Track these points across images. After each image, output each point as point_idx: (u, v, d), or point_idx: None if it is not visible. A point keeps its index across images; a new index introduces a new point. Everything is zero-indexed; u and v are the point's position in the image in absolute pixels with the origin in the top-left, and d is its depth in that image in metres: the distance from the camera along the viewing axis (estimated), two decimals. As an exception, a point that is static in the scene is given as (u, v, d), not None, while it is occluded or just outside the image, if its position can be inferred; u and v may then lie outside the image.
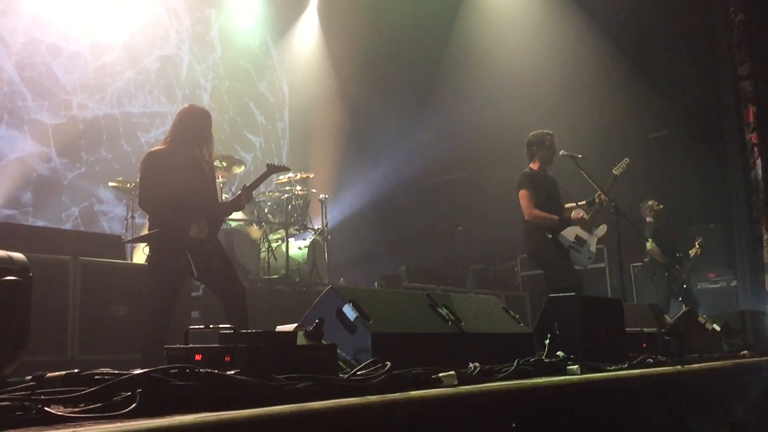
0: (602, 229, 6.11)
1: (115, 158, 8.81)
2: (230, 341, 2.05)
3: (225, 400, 1.63)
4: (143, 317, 4.51)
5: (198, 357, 2.00)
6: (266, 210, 7.70)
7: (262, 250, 7.42)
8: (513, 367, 2.73)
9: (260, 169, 5.01)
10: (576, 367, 2.96)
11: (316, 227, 8.11)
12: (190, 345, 2.10)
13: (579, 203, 6.17)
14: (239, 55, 11.21)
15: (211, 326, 2.22)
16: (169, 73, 10.02)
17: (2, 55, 8.17)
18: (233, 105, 11.00)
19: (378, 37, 11.22)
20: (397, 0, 10.90)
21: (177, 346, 2.10)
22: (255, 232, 7.51)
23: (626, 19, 9.97)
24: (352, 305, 2.75)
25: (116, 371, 1.70)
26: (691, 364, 3.75)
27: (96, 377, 1.69)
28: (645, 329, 4.13)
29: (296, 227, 7.81)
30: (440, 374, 2.29)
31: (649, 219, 8.47)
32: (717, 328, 4.82)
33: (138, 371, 1.63)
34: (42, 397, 1.52)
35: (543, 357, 3.23)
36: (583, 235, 6.02)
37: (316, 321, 2.41)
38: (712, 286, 9.36)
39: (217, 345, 2.06)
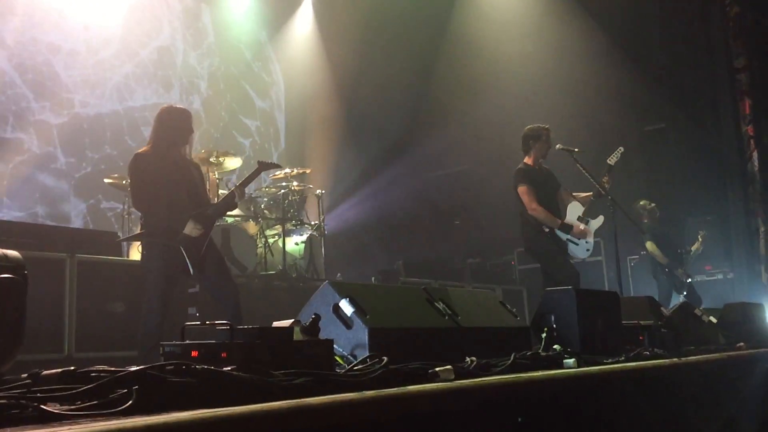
0: (599, 221, 6.13)
1: (120, 155, 8.82)
2: (226, 337, 2.04)
3: (222, 396, 1.63)
4: (140, 314, 4.52)
5: (194, 353, 2.00)
6: (263, 206, 7.69)
7: (259, 246, 7.41)
8: (510, 361, 2.73)
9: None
10: (573, 360, 2.96)
11: (312, 223, 8.11)
12: (187, 342, 2.09)
13: (584, 195, 6.18)
14: (234, 52, 11.18)
15: (207, 323, 2.22)
16: (165, 63, 10.00)
17: (2, 58, 8.16)
18: (229, 92, 10.99)
19: (374, 32, 11.20)
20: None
21: (173, 342, 2.09)
22: (252, 228, 7.51)
23: (622, 12, 9.97)
24: (349, 300, 2.75)
25: (112, 368, 1.70)
26: (688, 356, 3.75)
27: (92, 375, 1.68)
28: (641, 322, 4.13)
29: (293, 223, 7.80)
30: (437, 369, 2.29)
31: (645, 220, 8.48)
32: (713, 320, 4.83)
33: (134, 368, 1.62)
34: (38, 395, 1.52)
35: (540, 351, 3.23)
36: (580, 235, 6.04)
37: (313, 316, 2.41)
38: (708, 278, 9.38)
39: (214, 341, 2.06)
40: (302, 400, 1.67)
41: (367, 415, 1.82)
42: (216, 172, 7.13)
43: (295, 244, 7.77)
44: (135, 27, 9.56)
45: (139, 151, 4.74)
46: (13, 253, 2.01)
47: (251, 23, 11.52)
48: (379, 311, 2.81)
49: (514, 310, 3.81)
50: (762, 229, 8.97)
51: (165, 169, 4.61)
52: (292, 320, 2.44)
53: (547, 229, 5.98)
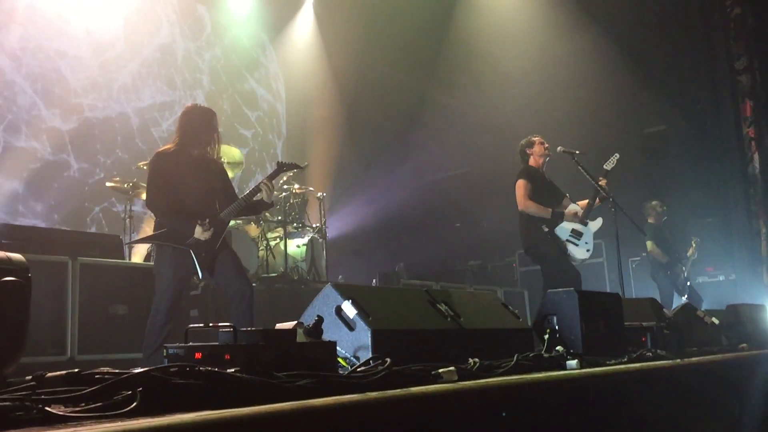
0: (598, 223, 6.14)
1: (131, 158, 8.83)
2: (230, 339, 2.05)
3: (225, 398, 1.64)
4: (143, 316, 4.52)
5: (198, 355, 2.00)
6: (264, 208, 7.70)
7: (261, 248, 7.42)
8: (512, 363, 2.73)
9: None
10: (575, 362, 2.97)
11: (314, 225, 8.11)
12: (190, 343, 2.10)
13: (586, 202, 6.19)
14: (235, 55, 11.20)
15: (210, 324, 2.22)
16: (168, 61, 10.05)
17: (12, 69, 8.22)
18: (231, 86, 11.03)
19: (374, 35, 11.21)
20: (394, -2, 10.90)
21: (177, 344, 2.10)
22: (253, 230, 7.51)
23: (623, 14, 9.98)
24: (351, 302, 2.75)
25: (116, 370, 1.70)
26: (690, 357, 3.75)
27: (96, 377, 1.69)
28: (644, 323, 4.13)
29: (294, 225, 7.81)
30: (440, 370, 2.29)
31: (650, 219, 8.51)
32: (716, 321, 4.82)
33: (138, 370, 1.63)
34: (42, 396, 1.52)
35: (542, 352, 3.23)
36: (580, 228, 6.03)
37: (316, 318, 2.41)
38: (710, 280, 9.39)
39: (217, 343, 2.06)
40: (306, 401, 1.68)
41: (370, 416, 1.82)
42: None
43: (296, 246, 7.78)
44: (136, 27, 9.59)
45: (161, 149, 4.71)
46: (16, 256, 2.01)
47: (252, 26, 11.54)
48: (382, 313, 2.81)
49: (516, 311, 3.81)
50: (763, 230, 8.97)
51: (183, 168, 4.58)
52: (295, 322, 2.44)
53: (546, 230, 5.98)
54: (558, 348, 3.27)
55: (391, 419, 1.89)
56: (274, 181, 4.86)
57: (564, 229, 6.01)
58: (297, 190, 7.87)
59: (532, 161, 6.22)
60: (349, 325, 2.73)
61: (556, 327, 3.55)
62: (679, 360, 3.56)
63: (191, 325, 2.25)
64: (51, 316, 4.76)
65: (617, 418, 2.93)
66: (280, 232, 7.64)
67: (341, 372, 2.20)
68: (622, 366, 3.19)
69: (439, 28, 11.27)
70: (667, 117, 10.27)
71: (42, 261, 4.80)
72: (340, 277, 8.67)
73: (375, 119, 11.61)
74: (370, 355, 2.53)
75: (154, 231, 4.58)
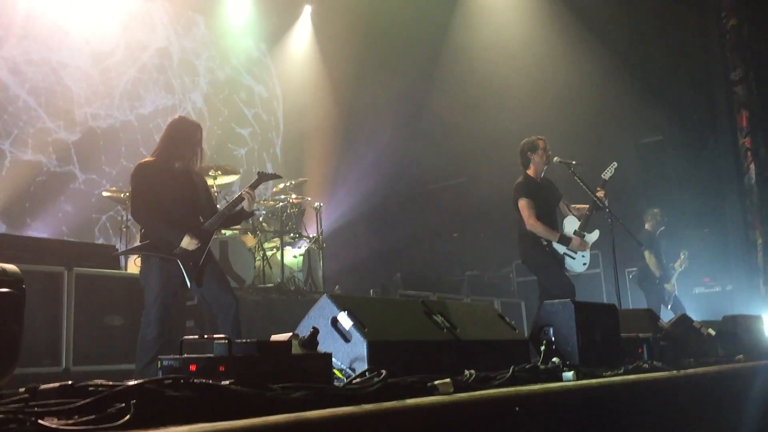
0: (595, 235, 6.15)
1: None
2: (225, 351, 2.04)
3: (220, 410, 1.63)
4: (138, 327, 4.50)
5: (192, 367, 1.99)
6: (261, 219, 7.70)
7: (257, 258, 7.41)
8: (509, 374, 2.72)
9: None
10: (571, 373, 2.96)
11: (311, 235, 8.11)
12: (185, 355, 2.09)
13: (582, 207, 6.20)
14: (232, 64, 11.21)
15: (205, 336, 2.21)
16: (166, 66, 10.07)
17: (15, 84, 8.24)
18: (229, 86, 11.06)
19: (372, 45, 11.24)
20: (391, 8, 10.91)
21: (171, 356, 2.09)
22: (250, 240, 7.51)
23: (619, 25, 10.02)
24: (348, 313, 2.75)
25: (110, 382, 1.69)
26: (687, 369, 3.75)
27: (90, 389, 1.68)
28: (640, 334, 4.13)
29: (291, 235, 7.80)
30: (436, 382, 2.29)
31: (647, 226, 8.55)
32: (712, 332, 4.82)
33: (132, 382, 1.62)
34: (36, 409, 1.51)
35: (538, 363, 3.22)
36: (579, 248, 6.05)
37: (311, 330, 2.41)
38: (707, 290, 9.39)
39: (212, 355, 2.06)
40: (301, 414, 1.67)
41: (365, 428, 1.81)
42: (214, 185, 7.15)
43: (293, 256, 7.77)
44: (134, 34, 9.61)
45: (143, 161, 4.72)
46: (10, 267, 2.01)
47: (252, 46, 11.58)
48: (378, 324, 2.81)
49: (513, 322, 3.80)
50: (760, 241, 8.98)
51: (166, 180, 4.59)
52: (291, 333, 2.43)
53: (545, 242, 5.98)
54: (554, 359, 3.27)
55: (386, 431, 1.88)
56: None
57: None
58: (294, 200, 7.87)
59: (531, 169, 6.21)
60: (345, 336, 2.72)
61: (553, 338, 3.54)
62: (675, 371, 3.56)
63: (186, 337, 2.24)
64: (46, 327, 4.74)
65: (614, 430, 2.92)
66: (276, 242, 7.64)
67: (337, 384, 2.19)
68: (619, 377, 3.18)
69: (436, 38, 11.32)
70: (663, 127, 10.30)
71: (37, 271, 4.78)
72: (336, 287, 8.66)
73: (372, 129, 11.63)
74: (366, 366, 2.52)
75: (140, 242, 4.58)
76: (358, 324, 2.71)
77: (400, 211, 11.67)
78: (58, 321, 4.81)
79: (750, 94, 9.24)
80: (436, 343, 3.02)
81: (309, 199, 8.38)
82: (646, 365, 3.62)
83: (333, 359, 2.42)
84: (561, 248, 5.99)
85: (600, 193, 6.05)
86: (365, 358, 2.61)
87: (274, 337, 2.45)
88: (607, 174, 6.26)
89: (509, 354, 3.29)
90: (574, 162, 6.14)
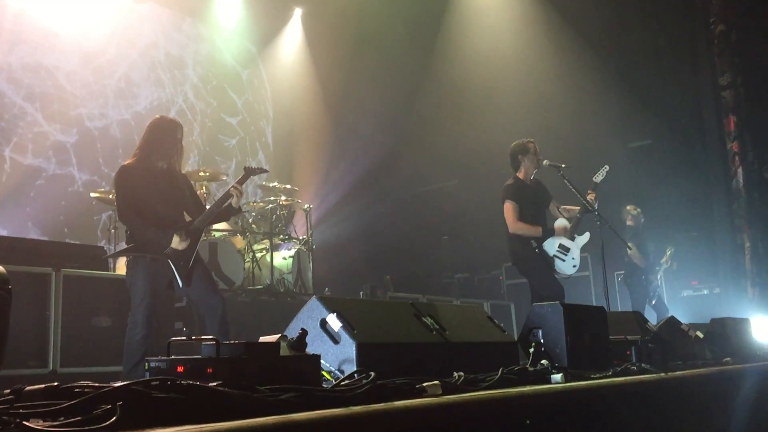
0: (585, 237, 6.17)
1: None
2: (212, 353, 2.03)
3: (207, 412, 1.62)
4: (125, 329, 4.48)
5: (180, 369, 1.99)
6: (250, 220, 7.68)
7: (247, 260, 7.39)
8: (497, 377, 2.72)
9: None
10: (560, 375, 2.96)
11: (300, 237, 8.09)
12: (172, 357, 2.08)
13: (572, 208, 6.22)
14: (220, 71, 11.18)
15: (193, 338, 2.20)
16: (155, 63, 10.06)
17: (12, 92, 8.22)
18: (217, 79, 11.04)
19: (362, 49, 11.24)
20: (382, 12, 10.92)
21: (158, 357, 2.08)
22: (239, 242, 7.49)
23: (608, 29, 10.07)
24: (337, 315, 2.74)
25: (96, 384, 1.68)
26: (675, 371, 3.76)
27: (76, 390, 1.67)
28: (629, 337, 4.14)
29: (281, 237, 7.79)
30: (424, 384, 2.29)
31: (628, 223, 8.62)
32: (700, 335, 4.84)
33: (118, 384, 1.61)
34: (21, 410, 1.50)
35: (527, 366, 3.23)
36: (567, 243, 6.06)
37: (300, 331, 2.40)
38: (695, 293, 9.45)
39: (199, 357, 2.05)
40: (288, 416, 1.66)
41: (354, 431, 1.81)
42: (203, 188, 7.13)
43: (282, 258, 7.75)
44: (124, 32, 9.58)
45: (125, 163, 4.70)
46: (-3, 267, 1.99)
47: (242, 49, 11.56)
48: (367, 326, 2.80)
49: (502, 324, 3.81)
50: (747, 244, 9.04)
51: (151, 180, 4.58)
52: (279, 335, 2.42)
53: (534, 244, 6.00)
54: (543, 361, 3.27)
55: (374, 433, 1.88)
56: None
57: (551, 244, 6.03)
58: (284, 202, 7.85)
59: (521, 172, 6.23)
60: (334, 338, 2.72)
61: (542, 340, 3.55)
62: (663, 374, 3.57)
63: (173, 338, 2.23)
64: (33, 328, 4.71)
65: (602, 432, 2.93)
66: (266, 243, 7.62)
67: (325, 386, 2.18)
68: (607, 380, 3.19)
69: (426, 42, 11.33)
70: (652, 132, 10.35)
71: (25, 272, 4.76)
72: (326, 289, 8.65)
73: (362, 132, 11.62)
74: (355, 368, 2.52)
75: (127, 244, 4.56)
76: (347, 326, 2.71)
77: (390, 214, 11.66)
78: (45, 322, 4.78)
79: (738, 99, 9.30)
80: (426, 345, 3.02)
81: (299, 201, 8.37)
82: (634, 367, 3.63)
83: (322, 361, 2.42)
84: (551, 250, 6.01)
85: (590, 196, 6.07)
86: (354, 360, 2.61)
87: (263, 339, 2.44)
88: (598, 177, 6.28)
89: (498, 356, 3.29)
90: (563, 165, 6.17)
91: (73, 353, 4.87)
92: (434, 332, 3.12)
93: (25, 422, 1.41)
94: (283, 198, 7.93)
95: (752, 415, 4.20)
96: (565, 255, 6.03)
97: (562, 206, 6.31)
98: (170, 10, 10.38)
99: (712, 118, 9.60)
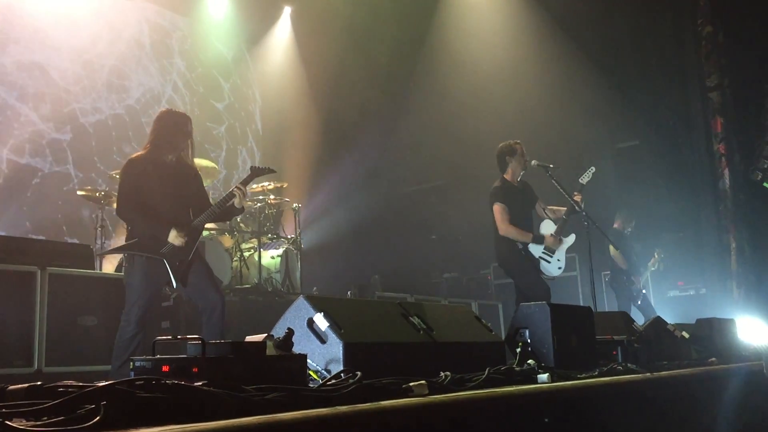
0: (571, 239, 6.20)
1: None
2: (198, 352, 2.02)
3: (192, 412, 1.61)
4: (112, 328, 4.46)
5: (165, 368, 1.98)
6: (239, 219, 7.65)
7: (235, 259, 7.37)
8: (484, 376, 2.73)
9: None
10: (546, 375, 2.97)
11: (289, 236, 8.08)
12: (158, 356, 2.07)
13: (558, 209, 6.25)
14: (209, 65, 11.14)
15: (179, 337, 2.19)
16: (141, 54, 10.02)
17: (4, 92, 8.18)
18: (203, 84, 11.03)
19: (351, 47, 11.23)
20: (371, 10, 10.91)
21: (144, 357, 2.07)
22: (227, 241, 7.46)
23: (597, 31, 10.10)
24: (324, 314, 2.74)
25: (80, 383, 1.67)
26: (660, 371, 3.78)
27: (59, 390, 1.66)
28: (615, 337, 4.16)
29: (269, 236, 7.77)
30: (411, 384, 2.29)
31: (615, 225, 8.66)
32: (686, 335, 4.87)
33: (102, 383, 1.60)
34: (3, 410, 1.49)
35: (514, 365, 3.24)
36: (553, 245, 6.08)
37: (286, 331, 2.39)
38: (681, 293, 9.49)
39: (185, 356, 2.04)
40: (274, 415, 1.66)
41: (340, 430, 1.81)
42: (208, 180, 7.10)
43: (271, 257, 7.73)
44: (113, 26, 9.53)
45: (133, 155, 4.65)
46: (-20, 265, 1.98)
47: (231, 47, 11.52)
48: (354, 326, 2.80)
49: (490, 324, 3.81)
50: (733, 245, 9.09)
51: (157, 173, 4.53)
52: (266, 335, 2.42)
53: (520, 246, 6.02)
54: (529, 361, 3.28)
55: (360, 433, 1.88)
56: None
57: (537, 245, 6.06)
58: (272, 201, 7.83)
59: (508, 173, 6.24)
60: (321, 337, 2.71)
61: (528, 340, 3.56)
62: (649, 374, 3.59)
63: (159, 337, 2.22)
64: (18, 327, 4.67)
65: (588, 432, 2.94)
66: (254, 242, 7.60)
67: (312, 385, 2.18)
68: (593, 380, 3.20)
69: (415, 41, 11.32)
70: (639, 132, 10.40)
71: (9, 271, 4.72)
72: (314, 288, 8.64)
73: (351, 131, 11.61)
74: (341, 368, 2.51)
75: (126, 240, 4.52)
76: (334, 325, 2.70)
77: (378, 213, 11.65)
78: (31, 321, 4.74)
79: (725, 101, 9.35)
80: (413, 344, 3.02)
81: (287, 200, 8.35)
82: (620, 367, 3.65)
83: (308, 360, 2.41)
84: (537, 251, 6.03)
85: (577, 197, 6.10)
86: (341, 360, 2.60)
87: (249, 338, 2.44)
88: (584, 178, 6.30)
89: (485, 356, 3.30)
90: (551, 165, 6.19)
91: (59, 352, 4.83)
92: (421, 332, 3.13)
93: (7, 422, 1.40)
94: (272, 197, 7.91)
95: (737, 414, 4.23)
96: (551, 256, 6.06)
97: (549, 207, 6.33)
98: (157, 6, 10.34)
99: (699, 119, 9.65)
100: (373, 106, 11.45)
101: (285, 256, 7.73)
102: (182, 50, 10.65)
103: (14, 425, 1.40)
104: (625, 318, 4.70)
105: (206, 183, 6.20)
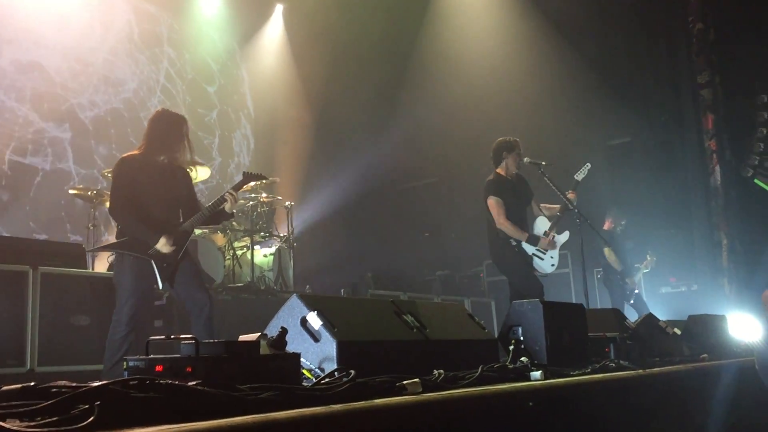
0: (564, 236, 6.21)
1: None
2: (192, 351, 2.02)
3: (186, 411, 1.61)
4: (105, 327, 4.45)
5: (159, 368, 1.97)
6: (231, 217, 7.63)
7: (227, 258, 7.35)
8: (477, 374, 2.74)
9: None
10: (539, 372, 2.98)
11: (281, 234, 8.06)
12: (151, 356, 2.07)
13: (552, 207, 6.26)
14: (202, 63, 11.11)
15: (172, 336, 2.19)
16: (131, 48, 10.00)
17: (3, 93, 8.16)
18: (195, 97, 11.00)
19: (344, 44, 11.22)
20: (363, 7, 10.91)
21: (137, 357, 2.07)
22: (220, 239, 7.44)
23: (589, 29, 10.13)
24: (317, 313, 2.74)
25: (74, 384, 1.67)
26: (653, 368, 3.80)
27: (53, 390, 1.65)
28: (607, 334, 4.17)
29: (262, 235, 7.76)
30: (405, 382, 2.29)
31: (605, 226, 8.65)
32: (678, 332, 4.89)
33: (96, 384, 1.60)
34: (-4, 411, 1.49)
35: (507, 363, 3.24)
36: (548, 246, 6.10)
37: (280, 330, 2.39)
38: (673, 290, 9.53)
39: (179, 355, 2.04)
40: (268, 414, 1.66)
41: (334, 429, 1.81)
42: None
43: (263, 256, 7.72)
44: (104, 21, 9.51)
45: (126, 154, 4.64)
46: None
47: (223, 44, 11.48)
48: (348, 324, 2.80)
49: (483, 322, 3.82)
50: (724, 242, 9.14)
51: (148, 174, 4.52)
52: (259, 334, 2.42)
53: (514, 243, 6.03)
54: (522, 359, 3.28)
55: (354, 432, 1.88)
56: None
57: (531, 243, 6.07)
58: (265, 199, 7.82)
59: (502, 168, 6.24)
60: (315, 336, 2.71)
61: (521, 338, 3.57)
62: (641, 370, 3.60)
63: (152, 337, 2.21)
64: (10, 327, 4.66)
65: (580, 429, 2.95)
66: (247, 241, 7.58)
67: (306, 384, 2.18)
68: (586, 377, 3.22)
69: (408, 38, 11.33)
70: (631, 129, 10.43)
71: (1, 270, 4.70)
72: (307, 287, 8.62)
73: (344, 128, 11.61)
74: (335, 366, 2.51)
75: (116, 238, 4.52)
76: (328, 324, 2.70)
77: (371, 211, 11.66)
78: (23, 321, 4.72)
79: (716, 98, 9.40)
80: (406, 342, 3.03)
81: (280, 198, 8.33)
82: (612, 364, 3.67)
83: (302, 359, 2.41)
84: (530, 248, 6.04)
85: (571, 195, 6.10)
86: (334, 358, 2.60)
87: (243, 337, 2.43)
88: (580, 175, 6.31)
89: (478, 354, 3.31)
90: (543, 163, 6.19)
91: (51, 352, 4.82)
92: (414, 330, 3.13)
93: (1, 423, 1.40)
94: (264, 195, 7.89)
95: (729, 410, 4.25)
96: (544, 254, 6.07)
97: (543, 204, 6.34)
98: (150, 5, 10.30)
99: (690, 116, 9.69)
100: (365, 103, 11.45)
101: (278, 255, 7.72)
102: (172, 41, 10.62)
103: (8, 426, 1.39)
104: (618, 315, 4.72)
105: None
